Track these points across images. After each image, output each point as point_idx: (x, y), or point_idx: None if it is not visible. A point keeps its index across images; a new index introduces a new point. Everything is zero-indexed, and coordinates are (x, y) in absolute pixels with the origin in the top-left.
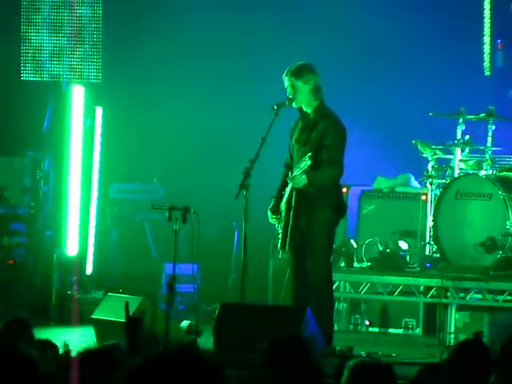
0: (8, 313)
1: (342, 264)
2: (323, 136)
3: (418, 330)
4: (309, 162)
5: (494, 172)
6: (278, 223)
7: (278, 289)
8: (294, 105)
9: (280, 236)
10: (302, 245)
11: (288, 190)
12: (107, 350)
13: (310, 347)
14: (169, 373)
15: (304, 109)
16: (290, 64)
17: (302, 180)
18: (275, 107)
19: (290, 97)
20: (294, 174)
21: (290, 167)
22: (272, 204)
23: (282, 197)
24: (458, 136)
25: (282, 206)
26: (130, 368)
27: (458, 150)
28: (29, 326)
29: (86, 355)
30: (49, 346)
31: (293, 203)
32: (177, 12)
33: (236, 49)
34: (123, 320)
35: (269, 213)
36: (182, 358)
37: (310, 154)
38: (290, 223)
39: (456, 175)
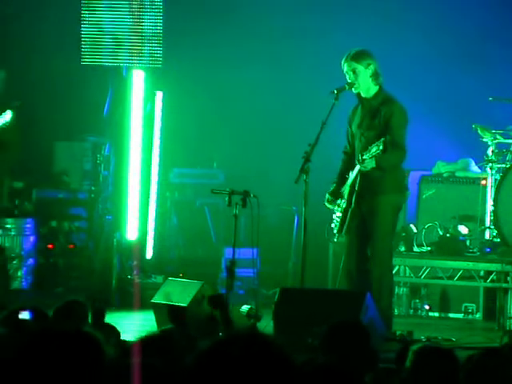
0: (68, 297)
1: (402, 248)
2: (387, 120)
3: (478, 315)
4: (381, 147)
5: None
6: (337, 206)
7: (337, 273)
8: (353, 90)
9: (338, 219)
10: (362, 229)
11: (354, 173)
12: (168, 334)
13: (367, 332)
14: (238, 356)
15: (363, 94)
16: (350, 47)
17: (371, 163)
18: (335, 91)
19: (350, 81)
20: (363, 158)
21: (349, 154)
22: (332, 189)
23: (343, 181)
24: None
25: (345, 189)
26: (193, 352)
27: None
28: (86, 310)
29: (147, 340)
30: (110, 330)
31: (356, 187)
32: None
33: (297, 32)
34: (184, 304)
35: (327, 196)
36: (251, 341)
37: (383, 139)
38: (352, 207)
39: None
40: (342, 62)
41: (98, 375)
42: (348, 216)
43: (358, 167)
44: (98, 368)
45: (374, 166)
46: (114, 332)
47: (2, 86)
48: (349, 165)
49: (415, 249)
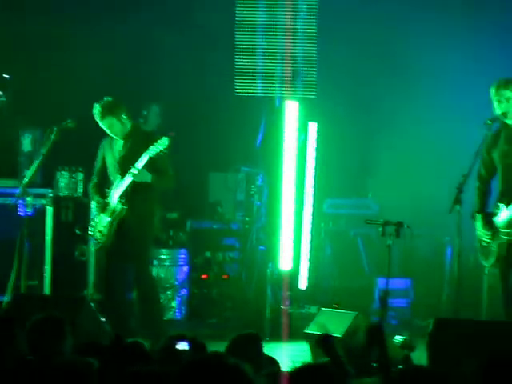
0: (223, 327)
1: None
2: None
3: None
4: None
5: None
6: (491, 239)
7: (492, 305)
8: (506, 119)
9: (493, 249)
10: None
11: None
12: (322, 366)
13: None
14: None
15: (509, 122)
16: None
17: None
18: (489, 122)
19: (503, 111)
20: None
21: (484, 179)
22: (483, 219)
23: (488, 213)
24: None
25: (501, 223)
26: None
27: None
28: (258, 342)
29: (301, 371)
30: (271, 362)
31: None
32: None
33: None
34: (338, 335)
35: (480, 226)
36: None
37: None
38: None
39: None
40: (493, 91)
41: None
42: (505, 247)
43: None
44: None
45: None
46: (273, 363)
47: (157, 120)
48: (487, 192)
49: None
